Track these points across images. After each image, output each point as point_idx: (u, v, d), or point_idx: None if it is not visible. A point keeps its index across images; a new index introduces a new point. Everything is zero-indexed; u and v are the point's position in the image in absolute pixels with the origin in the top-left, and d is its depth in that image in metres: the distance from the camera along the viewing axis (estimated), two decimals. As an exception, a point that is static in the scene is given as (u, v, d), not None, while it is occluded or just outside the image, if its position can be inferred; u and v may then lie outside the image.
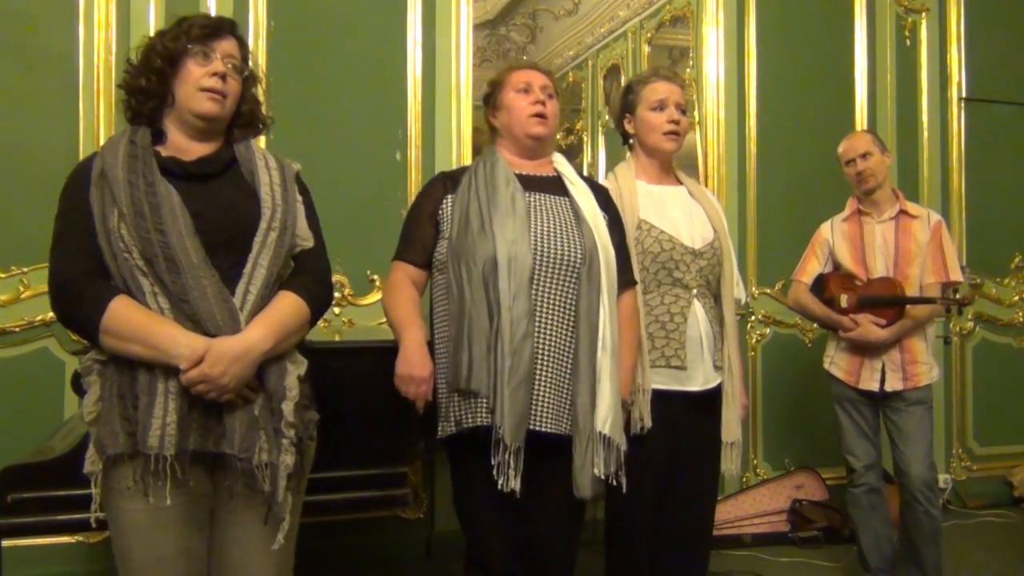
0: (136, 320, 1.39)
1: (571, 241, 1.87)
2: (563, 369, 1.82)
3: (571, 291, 1.85)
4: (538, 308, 1.81)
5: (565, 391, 1.82)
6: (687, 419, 2.09)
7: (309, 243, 1.60)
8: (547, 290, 1.83)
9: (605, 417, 1.82)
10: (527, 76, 2.00)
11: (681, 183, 2.26)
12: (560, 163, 2.05)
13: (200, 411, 1.41)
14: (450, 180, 1.97)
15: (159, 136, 1.55)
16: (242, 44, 1.61)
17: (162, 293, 1.42)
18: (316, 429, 1.54)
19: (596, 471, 1.79)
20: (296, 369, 1.50)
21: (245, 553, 1.50)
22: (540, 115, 1.96)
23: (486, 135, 2.13)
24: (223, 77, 1.53)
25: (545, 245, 1.84)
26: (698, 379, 2.09)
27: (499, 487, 1.72)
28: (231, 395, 1.42)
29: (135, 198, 1.42)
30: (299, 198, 1.62)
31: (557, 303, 1.83)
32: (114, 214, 1.42)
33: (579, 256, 1.86)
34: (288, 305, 1.52)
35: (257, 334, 1.44)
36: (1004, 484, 4.14)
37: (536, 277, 1.81)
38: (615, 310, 1.90)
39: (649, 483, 2.06)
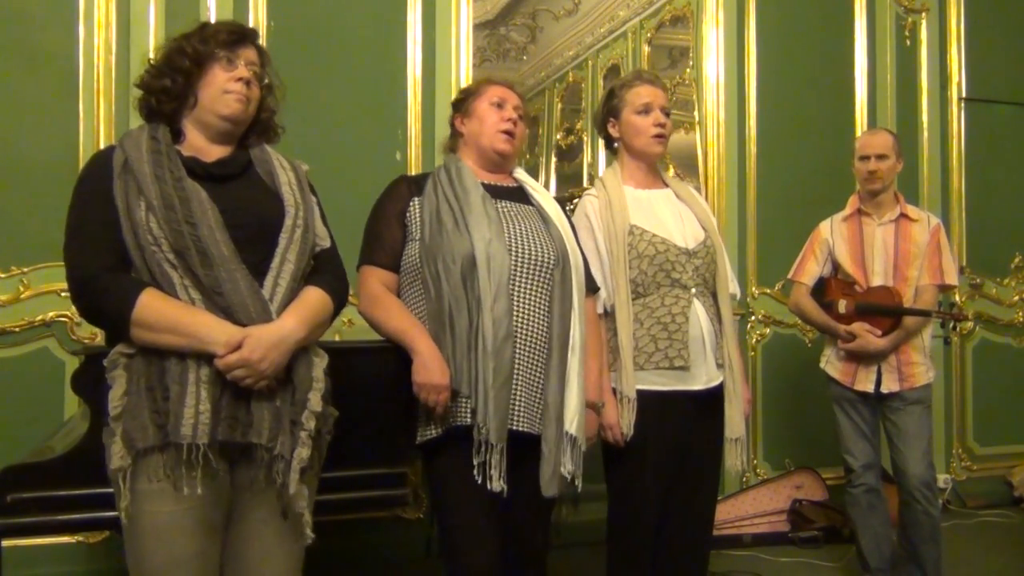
0: (169, 310, 1.39)
1: (543, 244, 1.89)
2: (536, 370, 1.83)
3: (544, 293, 1.86)
4: (514, 308, 1.81)
5: (537, 392, 1.82)
6: (691, 419, 2.09)
7: (326, 243, 1.63)
8: (523, 291, 1.84)
9: (572, 418, 1.84)
10: (503, 92, 2.02)
11: (667, 185, 2.27)
12: (520, 174, 2.08)
13: (229, 401, 1.41)
14: (414, 183, 1.98)
15: (176, 136, 1.56)
16: (262, 53, 1.63)
17: (193, 286, 1.42)
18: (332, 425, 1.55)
19: (563, 470, 1.82)
20: (321, 362, 1.53)
21: (263, 550, 1.50)
22: (509, 133, 1.98)
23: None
24: (247, 83, 1.55)
25: (519, 246, 1.85)
26: (701, 378, 2.09)
27: (487, 487, 1.72)
28: (266, 382, 1.42)
29: (164, 192, 1.43)
30: (313, 198, 1.65)
31: (532, 304, 1.84)
32: (140, 207, 1.42)
33: (552, 258, 1.88)
34: (316, 298, 1.54)
35: (291, 323, 1.46)
36: (1004, 484, 4.15)
37: (512, 277, 1.82)
38: (583, 313, 1.92)
39: (653, 484, 2.06)
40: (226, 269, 1.42)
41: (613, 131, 2.23)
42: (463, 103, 2.05)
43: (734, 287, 2.25)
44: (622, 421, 2.02)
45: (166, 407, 1.37)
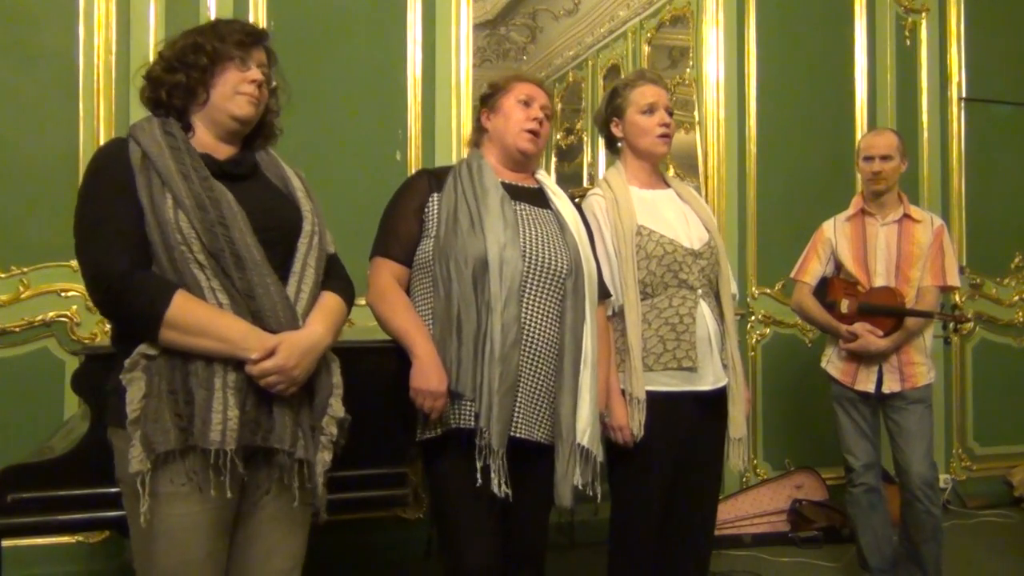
0: (203, 313, 1.37)
1: (558, 251, 1.87)
2: (542, 378, 1.82)
3: (556, 301, 1.85)
4: (524, 315, 1.80)
5: (542, 399, 1.82)
6: (696, 419, 2.09)
7: (332, 248, 1.63)
8: (533, 297, 1.82)
9: (584, 429, 1.84)
10: (532, 90, 1.99)
11: (669, 185, 2.26)
12: (542, 176, 2.06)
13: (252, 406, 1.40)
14: (434, 178, 1.95)
15: (184, 131, 1.53)
16: (269, 55, 1.62)
17: (221, 289, 1.39)
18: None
19: (576, 481, 1.82)
20: (337, 367, 1.54)
21: (267, 548, 1.50)
22: (534, 132, 1.96)
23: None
24: (259, 85, 1.54)
25: (533, 253, 1.84)
26: (708, 378, 2.09)
27: (492, 490, 1.71)
28: (296, 388, 1.42)
29: (193, 190, 1.40)
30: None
31: (542, 311, 1.83)
32: (166, 205, 1.38)
33: (565, 267, 1.87)
34: (335, 304, 1.55)
35: (321, 329, 1.47)
36: (1004, 484, 4.15)
37: (524, 283, 1.81)
38: (595, 324, 1.91)
39: (657, 485, 2.06)
40: (258, 274, 1.41)
41: (616, 131, 2.22)
42: (490, 98, 2.03)
43: (733, 287, 2.25)
44: (632, 422, 2.02)
45: (188, 411, 1.35)
